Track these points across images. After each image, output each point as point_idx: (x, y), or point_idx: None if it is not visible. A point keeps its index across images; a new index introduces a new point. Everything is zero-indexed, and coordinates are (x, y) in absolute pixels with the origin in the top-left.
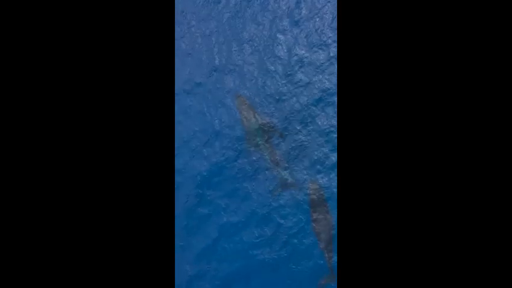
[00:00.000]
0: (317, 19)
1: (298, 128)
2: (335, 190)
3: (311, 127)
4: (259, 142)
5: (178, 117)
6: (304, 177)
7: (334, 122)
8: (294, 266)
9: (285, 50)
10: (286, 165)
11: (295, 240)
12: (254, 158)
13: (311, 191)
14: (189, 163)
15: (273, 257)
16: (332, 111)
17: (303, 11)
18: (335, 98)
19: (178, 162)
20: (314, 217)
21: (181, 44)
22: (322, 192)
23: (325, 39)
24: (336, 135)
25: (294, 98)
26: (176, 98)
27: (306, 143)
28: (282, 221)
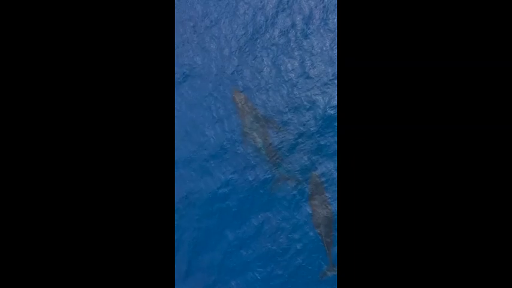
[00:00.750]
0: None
1: (296, 119)
2: (335, 181)
3: (310, 118)
4: (256, 135)
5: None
6: (303, 168)
7: (334, 113)
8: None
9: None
10: (283, 158)
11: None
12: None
13: (311, 183)
14: (198, 171)
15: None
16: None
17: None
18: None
19: (187, 169)
20: (313, 208)
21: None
22: (321, 183)
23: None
24: (335, 117)
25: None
26: (184, 108)
27: (304, 133)
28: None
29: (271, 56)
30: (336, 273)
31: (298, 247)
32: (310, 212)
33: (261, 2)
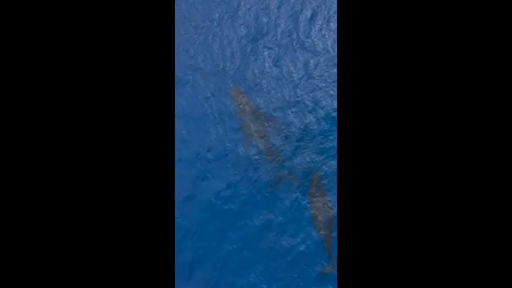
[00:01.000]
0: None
1: (298, 120)
2: (335, 180)
3: (312, 119)
4: (257, 136)
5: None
6: (303, 167)
7: (334, 113)
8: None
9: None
10: (285, 159)
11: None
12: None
13: (312, 183)
14: (201, 173)
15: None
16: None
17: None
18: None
19: (190, 171)
20: (315, 209)
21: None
22: (322, 182)
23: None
24: (336, 119)
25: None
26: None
27: (306, 134)
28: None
29: (273, 56)
30: (336, 272)
31: (301, 248)
32: (312, 212)
33: (263, 2)
